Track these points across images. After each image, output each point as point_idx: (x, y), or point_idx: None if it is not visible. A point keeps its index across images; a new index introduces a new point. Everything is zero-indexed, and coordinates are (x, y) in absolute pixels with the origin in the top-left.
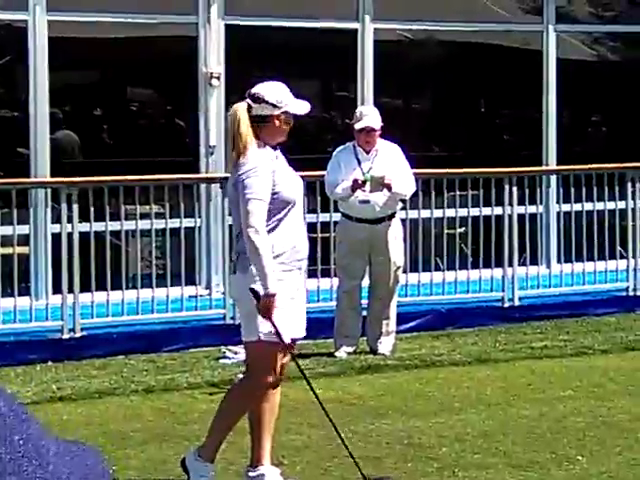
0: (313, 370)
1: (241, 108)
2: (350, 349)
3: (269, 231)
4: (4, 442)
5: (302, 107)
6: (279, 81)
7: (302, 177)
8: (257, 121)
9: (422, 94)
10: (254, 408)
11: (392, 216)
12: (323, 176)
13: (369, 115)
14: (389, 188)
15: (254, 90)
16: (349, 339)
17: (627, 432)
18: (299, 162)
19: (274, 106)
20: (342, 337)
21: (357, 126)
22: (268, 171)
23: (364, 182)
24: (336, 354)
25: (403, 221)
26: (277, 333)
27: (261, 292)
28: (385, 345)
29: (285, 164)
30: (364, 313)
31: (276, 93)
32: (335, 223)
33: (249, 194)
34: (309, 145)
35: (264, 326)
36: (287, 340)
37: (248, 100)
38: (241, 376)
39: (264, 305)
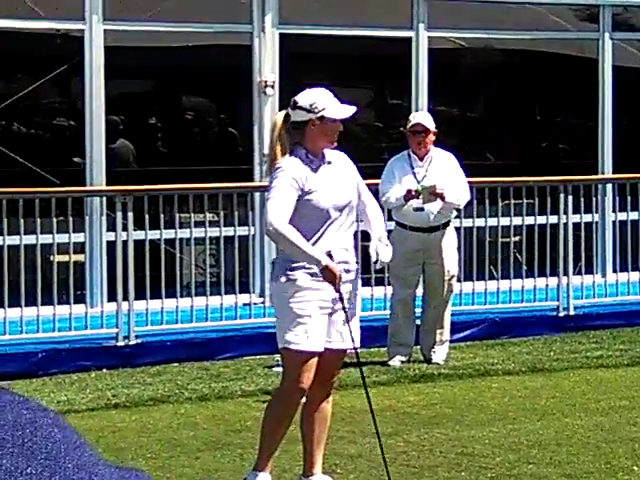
0: (367, 379)
1: (279, 116)
2: (404, 358)
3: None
4: (58, 469)
5: (342, 111)
6: (332, 90)
7: None
8: (295, 127)
9: (477, 102)
10: (306, 417)
11: (446, 225)
12: (377, 184)
13: (422, 117)
14: (442, 198)
15: (295, 97)
16: (403, 348)
17: None
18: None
19: (308, 111)
20: (396, 346)
21: (409, 126)
22: (293, 175)
23: (417, 192)
24: (390, 363)
25: (457, 229)
26: (341, 299)
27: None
28: (439, 354)
29: (332, 172)
30: (418, 322)
31: (311, 98)
32: (389, 232)
33: (268, 195)
34: (363, 153)
35: (290, 335)
36: (314, 348)
37: (288, 108)
38: None
39: (327, 279)
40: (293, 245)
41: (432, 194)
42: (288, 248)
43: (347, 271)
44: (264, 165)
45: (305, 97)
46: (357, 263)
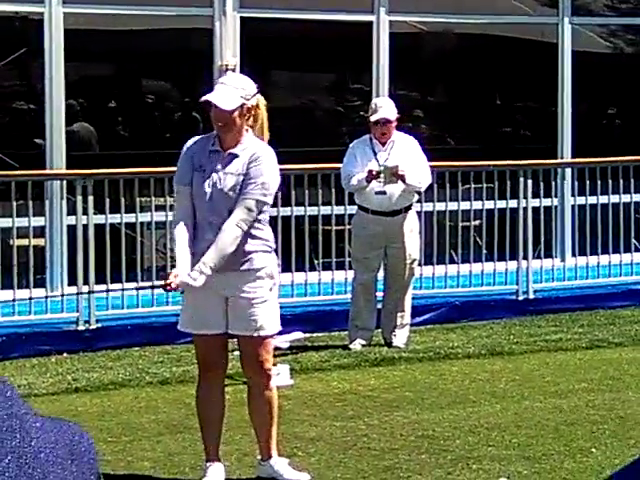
0: (328, 362)
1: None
2: (364, 342)
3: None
4: None
5: (210, 95)
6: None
7: (317, 169)
8: None
9: (438, 86)
10: (249, 404)
11: (408, 208)
12: (339, 168)
13: (384, 107)
14: (403, 179)
15: None
16: (364, 332)
17: None
18: (315, 154)
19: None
20: (357, 330)
21: (372, 118)
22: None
23: (379, 173)
24: (350, 346)
25: (418, 214)
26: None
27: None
28: (400, 338)
29: (226, 162)
30: (379, 306)
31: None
32: (350, 216)
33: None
34: (324, 138)
35: (181, 318)
36: (196, 330)
37: None
38: None
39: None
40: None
41: (393, 175)
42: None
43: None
44: None
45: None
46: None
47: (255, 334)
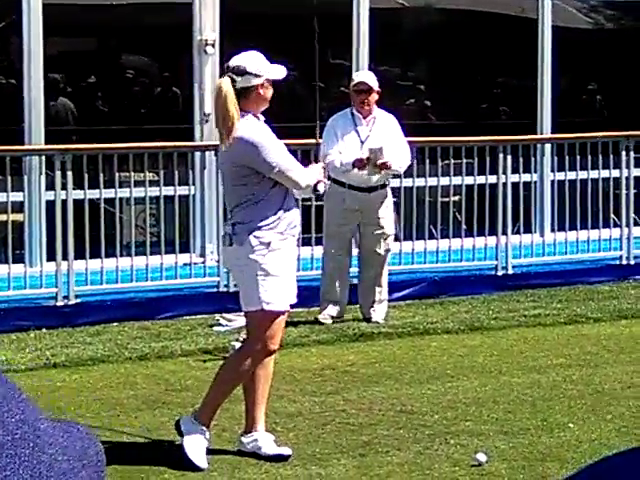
0: (307, 338)
1: (225, 84)
2: (334, 313)
3: (259, 202)
4: (0, 424)
5: (280, 72)
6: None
7: (297, 145)
8: (242, 93)
9: (418, 62)
10: (250, 375)
11: (384, 185)
12: (318, 144)
13: (365, 75)
14: (388, 167)
15: (234, 63)
16: (335, 304)
17: (618, 400)
18: (295, 130)
19: (256, 76)
20: (327, 302)
21: (352, 84)
22: (270, 135)
23: (367, 161)
24: (320, 318)
25: (397, 189)
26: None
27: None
28: (378, 313)
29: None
30: (355, 281)
31: (256, 62)
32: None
33: (281, 166)
34: (304, 113)
35: (266, 295)
36: (287, 307)
37: (230, 74)
38: (236, 344)
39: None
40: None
41: (376, 167)
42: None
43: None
44: (204, 125)
45: (251, 62)
46: None
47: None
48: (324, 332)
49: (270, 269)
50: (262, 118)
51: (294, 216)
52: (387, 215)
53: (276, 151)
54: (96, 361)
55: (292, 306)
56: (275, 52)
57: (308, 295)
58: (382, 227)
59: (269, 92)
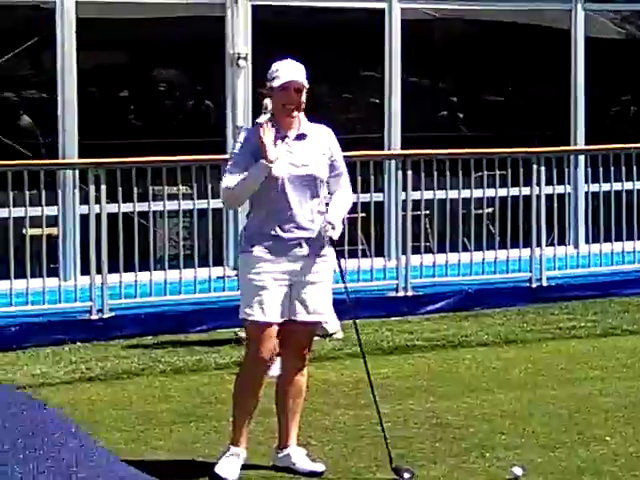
0: (341, 351)
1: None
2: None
3: (250, 211)
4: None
5: (288, 75)
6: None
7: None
8: (267, 97)
9: (449, 73)
10: (280, 390)
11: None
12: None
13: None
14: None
15: None
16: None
17: None
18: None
19: (268, 80)
20: None
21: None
22: (249, 142)
23: None
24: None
25: (431, 201)
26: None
27: None
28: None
29: (299, 144)
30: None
31: (272, 66)
32: (375, 204)
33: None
34: (336, 125)
35: (246, 307)
36: (269, 319)
37: None
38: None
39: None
40: (240, 185)
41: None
42: (240, 190)
43: (307, 242)
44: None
45: (272, 66)
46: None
47: (314, 318)
48: (358, 345)
49: (252, 280)
50: (302, 128)
51: (273, 228)
52: None
53: (231, 158)
54: (130, 374)
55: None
56: (309, 65)
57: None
58: None
59: (282, 97)
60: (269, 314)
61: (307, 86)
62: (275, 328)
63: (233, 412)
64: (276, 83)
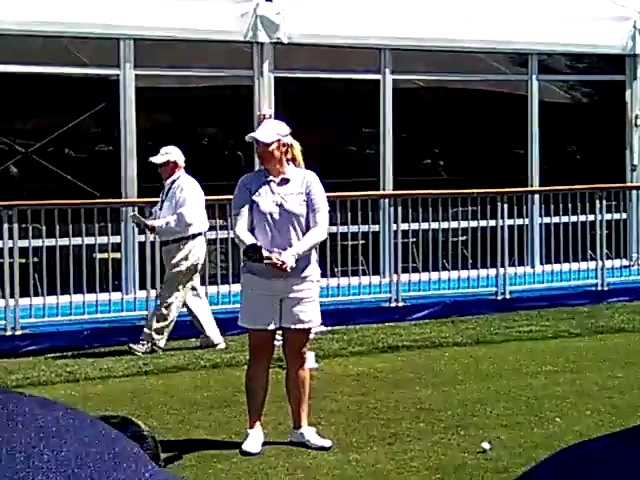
0: (345, 350)
1: None
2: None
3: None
4: None
5: (255, 134)
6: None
7: (331, 197)
8: None
9: (433, 130)
10: (287, 383)
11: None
12: (354, 196)
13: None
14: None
15: None
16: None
17: (596, 399)
18: (330, 184)
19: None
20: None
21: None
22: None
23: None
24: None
25: (417, 232)
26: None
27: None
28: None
29: (282, 187)
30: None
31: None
32: (363, 233)
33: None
34: (341, 171)
35: (242, 316)
36: (258, 326)
37: None
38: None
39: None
40: (242, 243)
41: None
42: (240, 243)
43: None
44: None
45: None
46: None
47: (302, 326)
48: (359, 345)
49: (244, 295)
50: (286, 174)
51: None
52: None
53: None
54: (178, 369)
55: (333, 324)
56: (319, 122)
57: (347, 315)
58: None
59: (262, 153)
60: (261, 323)
61: (269, 143)
62: (268, 334)
63: (247, 400)
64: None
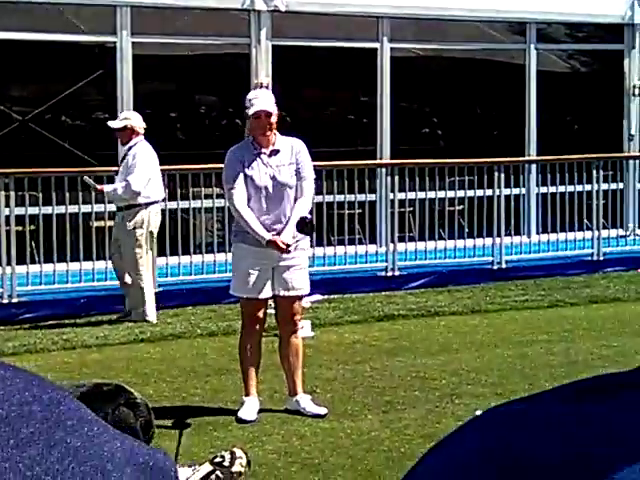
0: (341, 318)
1: None
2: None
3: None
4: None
5: (258, 106)
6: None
7: (328, 166)
8: (246, 120)
9: (431, 99)
10: (280, 351)
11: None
12: (346, 165)
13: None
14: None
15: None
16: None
17: (590, 368)
18: (328, 153)
19: (245, 107)
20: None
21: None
22: (235, 156)
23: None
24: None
25: (414, 201)
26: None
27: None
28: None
29: (273, 157)
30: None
31: (249, 96)
32: (370, 203)
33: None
34: (339, 140)
35: (234, 285)
36: (250, 295)
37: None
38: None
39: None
40: (243, 220)
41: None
42: (239, 219)
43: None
44: None
45: (248, 95)
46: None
47: (294, 293)
48: (355, 314)
49: (236, 264)
50: (276, 144)
51: (269, 227)
52: None
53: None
54: (174, 337)
55: (329, 292)
56: (318, 92)
57: (343, 284)
58: None
59: (255, 123)
60: (253, 291)
61: (275, 112)
62: (261, 302)
63: (241, 368)
64: (251, 111)
